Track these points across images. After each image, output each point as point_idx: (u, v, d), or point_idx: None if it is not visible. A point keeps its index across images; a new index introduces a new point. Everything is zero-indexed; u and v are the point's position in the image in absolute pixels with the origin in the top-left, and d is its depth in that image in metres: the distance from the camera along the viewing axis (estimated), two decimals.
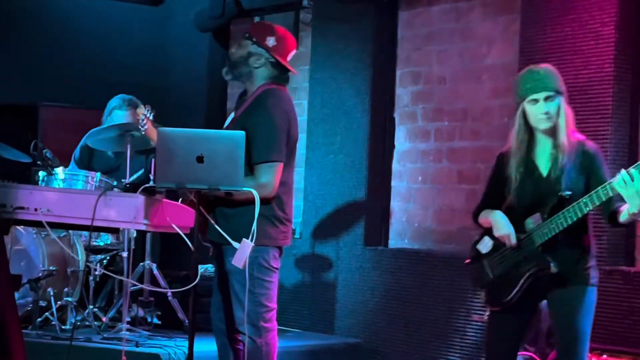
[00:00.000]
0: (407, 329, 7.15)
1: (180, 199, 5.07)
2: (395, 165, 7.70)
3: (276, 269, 5.12)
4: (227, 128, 5.18)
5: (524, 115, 4.77)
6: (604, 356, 5.53)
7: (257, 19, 8.83)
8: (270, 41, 5.09)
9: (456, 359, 6.79)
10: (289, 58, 5.14)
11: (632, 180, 4.41)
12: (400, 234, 7.66)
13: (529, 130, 4.79)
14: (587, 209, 4.57)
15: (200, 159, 4.78)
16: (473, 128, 7.19)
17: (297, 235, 7.91)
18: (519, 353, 5.57)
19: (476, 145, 7.16)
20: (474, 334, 6.68)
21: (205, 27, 8.84)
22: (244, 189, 4.81)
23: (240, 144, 4.77)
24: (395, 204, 7.70)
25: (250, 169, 4.98)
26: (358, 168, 7.63)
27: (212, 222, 5.01)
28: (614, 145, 6.11)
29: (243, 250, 4.86)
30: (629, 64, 6.17)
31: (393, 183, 7.72)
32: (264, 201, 4.93)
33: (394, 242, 7.69)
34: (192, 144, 4.81)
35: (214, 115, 8.81)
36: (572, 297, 4.73)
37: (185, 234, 5.05)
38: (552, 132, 4.74)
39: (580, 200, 4.57)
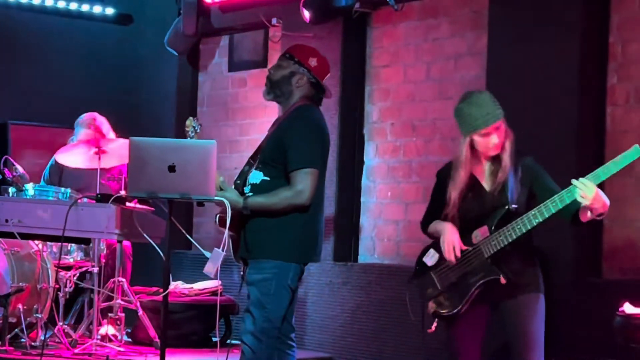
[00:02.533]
0: (377, 342, 7.17)
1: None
2: (364, 181, 7.75)
3: (293, 289, 5.14)
4: (262, 143, 5.23)
5: (471, 145, 4.85)
6: None
7: (226, 37, 8.89)
8: (313, 62, 5.19)
9: None
10: (324, 81, 5.24)
11: (586, 186, 4.51)
12: (370, 249, 7.69)
13: (474, 155, 4.87)
14: (537, 220, 4.67)
15: (172, 168, 4.81)
16: (442, 144, 7.25)
17: None
18: None
19: (445, 160, 7.04)
20: (444, 346, 6.70)
21: (179, 46, 8.87)
22: (215, 198, 4.84)
23: (211, 153, 4.81)
24: (365, 220, 7.74)
25: (286, 179, 5.04)
26: (328, 184, 7.63)
27: (183, 230, 5.04)
28: (579, 160, 6.18)
29: (215, 259, 4.88)
30: (594, 78, 6.25)
31: (362, 199, 7.76)
32: (300, 210, 5.00)
33: (363, 257, 7.72)
34: (164, 153, 4.85)
35: (183, 133, 8.82)
36: (524, 305, 4.83)
37: (156, 244, 5.07)
38: (499, 155, 4.84)
39: (529, 212, 4.68)
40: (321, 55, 5.26)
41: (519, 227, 4.69)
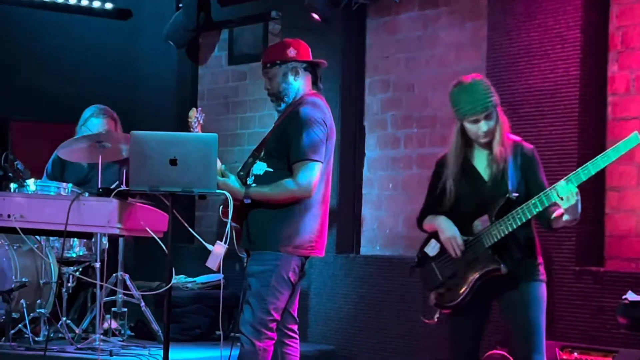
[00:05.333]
0: (380, 334, 7.18)
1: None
2: (365, 173, 7.75)
3: (293, 282, 5.16)
4: (266, 135, 5.24)
5: (463, 131, 4.85)
6: (575, 354, 5.58)
7: (226, 30, 8.88)
8: (292, 52, 5.22)
9: None
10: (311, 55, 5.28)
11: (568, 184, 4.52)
12: (372, 241, 7.70)
13: (467, 143, 4.87)
14: (537, 209, 4.66)
15: (173, 162, 4.81)
16: (442, 134, 7.24)
17: None
18: (491, 352, 5.65)
19: (445, 151, 7.20)
20: (446, 338, 6.70)
21: (179, 40, 8.87)
22: (217, 191, 4.85)
23: (212, 146, 4.81)
24: (367, 211, 7.74)
25: (289, 170, 5.05)
26: None
27: (185, 224, 5.04)
28: (580, 148, 6.18)
29: (217, 253, 4.88)
30: (595, 67, 6.25)
31: (364, 190, 7.77)
32: (305, 199, 5.01)
33: (365, 249, 7.73)
34: (165, 147, 4.85)
35: (183, 128, 8.82)
36: (525, 294, 4.81)
37: (159, 238, 5.07)
38: (489, 142, 4.83)
39: (529, 201, 4.67)
40: (291, 40, 5.30)
41: (519, 216, 4.68)
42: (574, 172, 4.56)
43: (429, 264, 4.99)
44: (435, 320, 4.96)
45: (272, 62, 5.22)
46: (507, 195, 4.76)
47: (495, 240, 4.75)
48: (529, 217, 4.68)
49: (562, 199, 4.54)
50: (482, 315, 4.95)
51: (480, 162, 4.88)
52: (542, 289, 4.85)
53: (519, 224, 4.69)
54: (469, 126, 4.82)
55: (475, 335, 4.96)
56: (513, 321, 4.83)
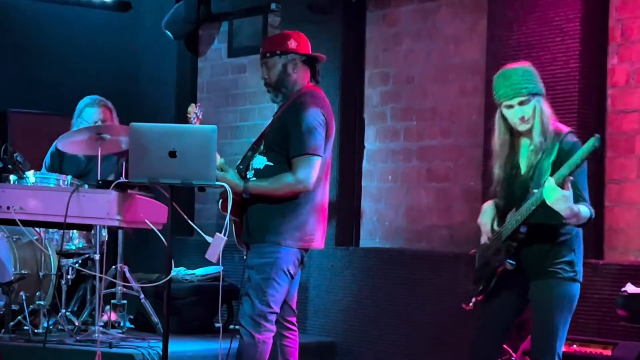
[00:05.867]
0: (379, 327, 7.19)
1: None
2: (365, 165, 7.75)
3: (293, 274, 5.16)
4: (265, 129, 5.24)
5: (503, 117, 4.79)
6: (574, 346, 5.58)
7: (225, 23, 8.88)
8: (292, 43, 5.23)
9: (429, 356, 6.82)
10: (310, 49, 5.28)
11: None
12: (371, 234, 7.70)
13: (510, 131, 4.80)
14: (532, 207, 4.57)
15: (172, 154, 4.81)
16: (442, 127, 7.25)
17: None
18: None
19: (445, 143, 7.23)
20: (446, 330, 6.72)
21: (177, 31, 8.86)
22: (216, 183, 4.85)
23: (211, 138, 4.81)
24: (366, 204, 7.74)
25: (289, 164, 5.05)
26: None
27: (184, 216, 5.05)
28: (580, 138, 6.16)
29: (216, 245, 4.88)
30: (594, 60, 6.25)
31: (363, 183, 7.77)
32: (304, 193, 5.02)
33: (365, 241, 7.73)
34: (164, 139, 4.85)
35: (183, 120, 8.82)
36: (544, 291, 4.74)
37: (158, 230, 5.08)
38: (531, 132, 4.75)
39: (534, 195, 4.59)
40: (292, 32, 5.31)
41: (522, 211, 4.64)
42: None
43: (477, 252, 4.99)
44: (471, 306, 4.94)
45: (272, 52, 5.22)
46: (534, 190, 4.65)
47: (509, 234, 4.71)
48: (529, 214, 4.63)
49: (548, 197, 4.49)
50: (511, 307, 4.88)
51: (523, 152, 4.81)
52: (566, 289, 4.72)
53: (526, 215, 4.63)
54: (505, 112, 4.76)
55: (501, 326, 4.90)
56: (533, 318, 4.80)
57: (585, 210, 4.59)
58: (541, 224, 4.66)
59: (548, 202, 4.48)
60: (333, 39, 7.65)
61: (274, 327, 5.17)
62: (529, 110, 4.72)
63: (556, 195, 4.44)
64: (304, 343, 6.19)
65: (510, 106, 4.73)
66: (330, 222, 7.59)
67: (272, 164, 5.08)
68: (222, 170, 5.00)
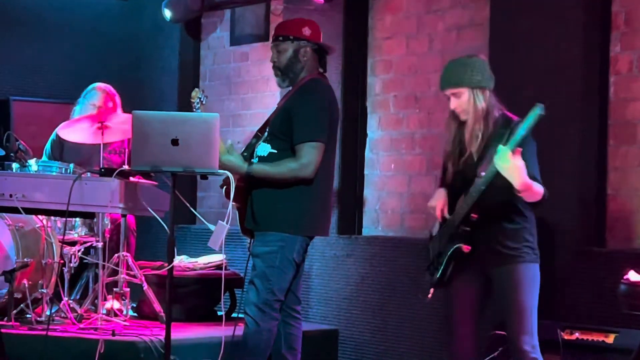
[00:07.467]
0: (382, 315, 7.19)
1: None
2: (367, 154, 7.75)
3: (298, 262, 5.17)
4: (270, 116, 5.24)
5: None
6: (576, 334, 5.59)
7: (227, 10, 8.86)
8: (307, 31, 5.24)
9: (431, 344, 6.83)
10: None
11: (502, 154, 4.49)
12: (374, 222, 7.70)
13: (457, 117, 4.88)
14: (482, 187, 4.64)
15: (175, 142, 4.82)
16: (445, 115, 7.19)
17: None
18: (493, 333, 5.64)
19: None
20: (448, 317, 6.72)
21: (177, 15, 8.85)
22: (219, 171, 4.85)
23: (214, 126, 4.82)
24: (369, 192, 7.74)
25: (293, 152, 5.04)
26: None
27: (187, 204, 5.05)
28: (583, 129, 6.18)
29: (219, 233, 4.89)
30: (597, 47, 6.24)
31: (366, 171, 7.76)
32: (306, 182, 5.00)
33: (367, 229, 7.73)
34: (166, 126, 4.86)
35: (185, 108, 8.83)
36: (511, 274, 4.81)
37: (161, 218, 5.09)
38: (470, 123, 4.83)
39: (480, 177, 4.66)
40: (307, 19, 5.31)
41: (475, 190, 4.68)
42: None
43: (429, 244, 5.02)
44: (429, 297, 4.98)
45: (285, 36, 5.22)
46: (476, 175, 4.73)
47: (460, 218, 4.74)
48: (479, 194, 4.65)
49: (501, 161, 4.51)
50: (473, 292, 4.95)
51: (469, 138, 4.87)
52: (531, 270, 4.82)
53: (471, 203, 4.67)
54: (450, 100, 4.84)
55: (467, 312, 4.95)
56: (502, 303, 4.85)
57: (538, 185, 4.63)
58: (494, 204, 4.69)
59: (500, 168, 4.52)
60: (335, 26, 7.64)
61: (278, 315, 5.18)
62: (462, 102, 4.77)
63: (508, 161, 4.49)
64: (307, 331, 6.21)
65: (449, 97, 4.81)
66: (333, 211, 7.59)
67: (276, 151, 5.09)
68: (228, 152, 5.00)
